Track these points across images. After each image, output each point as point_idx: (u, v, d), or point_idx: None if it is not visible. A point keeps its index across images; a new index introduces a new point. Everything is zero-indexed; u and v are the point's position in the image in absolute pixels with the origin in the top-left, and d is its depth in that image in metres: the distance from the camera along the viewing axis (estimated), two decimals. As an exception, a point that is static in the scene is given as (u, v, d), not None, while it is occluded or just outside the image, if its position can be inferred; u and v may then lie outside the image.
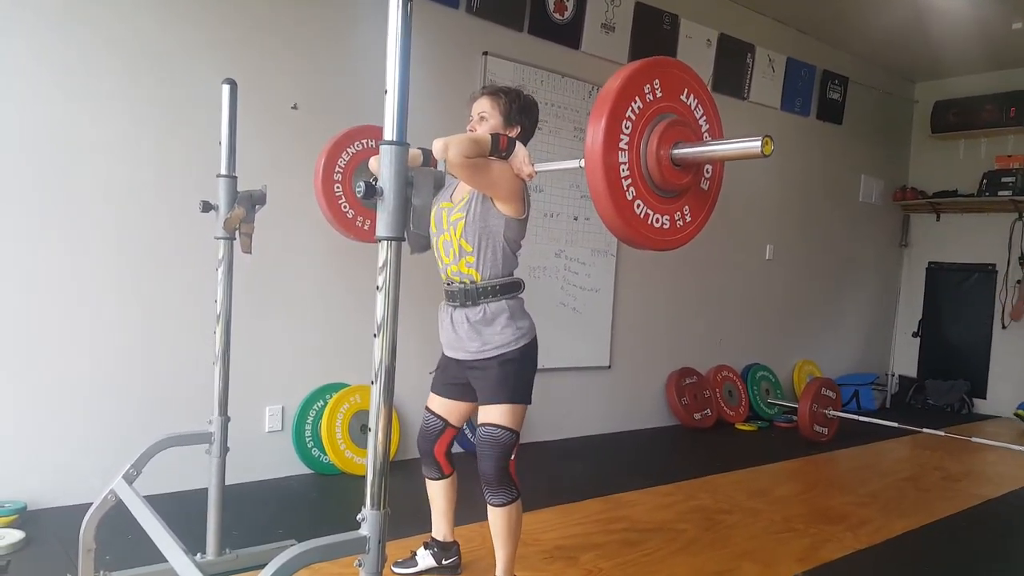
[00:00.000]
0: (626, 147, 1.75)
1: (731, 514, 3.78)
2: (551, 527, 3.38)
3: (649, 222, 1.82)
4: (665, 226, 1.86)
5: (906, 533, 3.68)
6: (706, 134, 1.98)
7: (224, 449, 2.68)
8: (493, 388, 2.48)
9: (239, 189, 2.57)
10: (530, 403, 2.55)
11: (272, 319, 3.78)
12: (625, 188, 1.76)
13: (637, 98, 1.77)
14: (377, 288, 1.55)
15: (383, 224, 1.51)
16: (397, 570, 2.81)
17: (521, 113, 2.51)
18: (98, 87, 3.32)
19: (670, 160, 1.81)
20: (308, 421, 4.02)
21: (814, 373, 6.99)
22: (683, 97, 1.90)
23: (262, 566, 1.52)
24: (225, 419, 2.67)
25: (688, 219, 1.92)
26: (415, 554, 2.85)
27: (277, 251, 3.61)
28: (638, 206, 1.80)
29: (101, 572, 2.49)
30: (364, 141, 2.93)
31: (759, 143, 1.71)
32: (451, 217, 2.47)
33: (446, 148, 2.16)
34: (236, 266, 2.66)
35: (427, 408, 2.76)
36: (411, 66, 1.51)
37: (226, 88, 2.57)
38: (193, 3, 3.55)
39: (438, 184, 1.54)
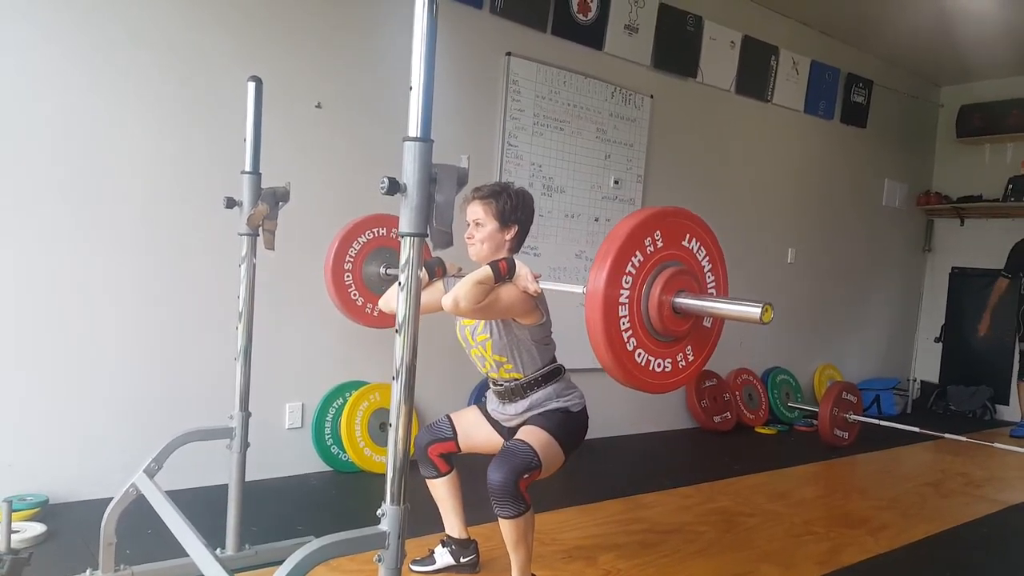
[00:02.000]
0: (626, 300, 1.74)
1: (751, 517, 3.76)
2: (570, 527, 3.38)
3: (651, 368, 1.81)
4: (667, 369, 1.85)
5: (927, 538, 3.64)
6: (709, 273, 1.95)
7: (245, 445, 2.69)
8: (536, 421, 2.54)
9: (263, 186, 2.59)
10: (566, 457, 2.55)
11: (293, 316, 3.80)
12: (626, 340, 1.75)
13: (637, 252, 1.75)
14: (399, 285, 1.55)
15: (406, 220, 1.51)
16: (415, 568, 2.81)
17: (515, 211, 2.53)
18: (124, 85, 3.35)
19: (672, 310, 1.79)
20: (328, 418, 4.03)
21: (835, 377, 6.93)
22: (685, 243, 1.88)
23: (281, 562, 1.53)
24: (246, 415, 2.69)
25: (691, 358, 1.90)
26: (433, 552, 2.85)
27: (300, 248, 3.61)
28: (639, 355, 1.78)
29: (121, 566, 2.51)
30: (375, 230, 3.05)
31: (759, 310, 1.67)
32: (477, 337, 2.57)
33: (457, 304, 2.27)
34: (259, 263, 2.67)
35: (448, 415, 2.79)
36: (435, 65, 1.51)
37: (251, 86, 2.58)
38: (219, 1, 3.58)
39: (461, 181, 1.53)
